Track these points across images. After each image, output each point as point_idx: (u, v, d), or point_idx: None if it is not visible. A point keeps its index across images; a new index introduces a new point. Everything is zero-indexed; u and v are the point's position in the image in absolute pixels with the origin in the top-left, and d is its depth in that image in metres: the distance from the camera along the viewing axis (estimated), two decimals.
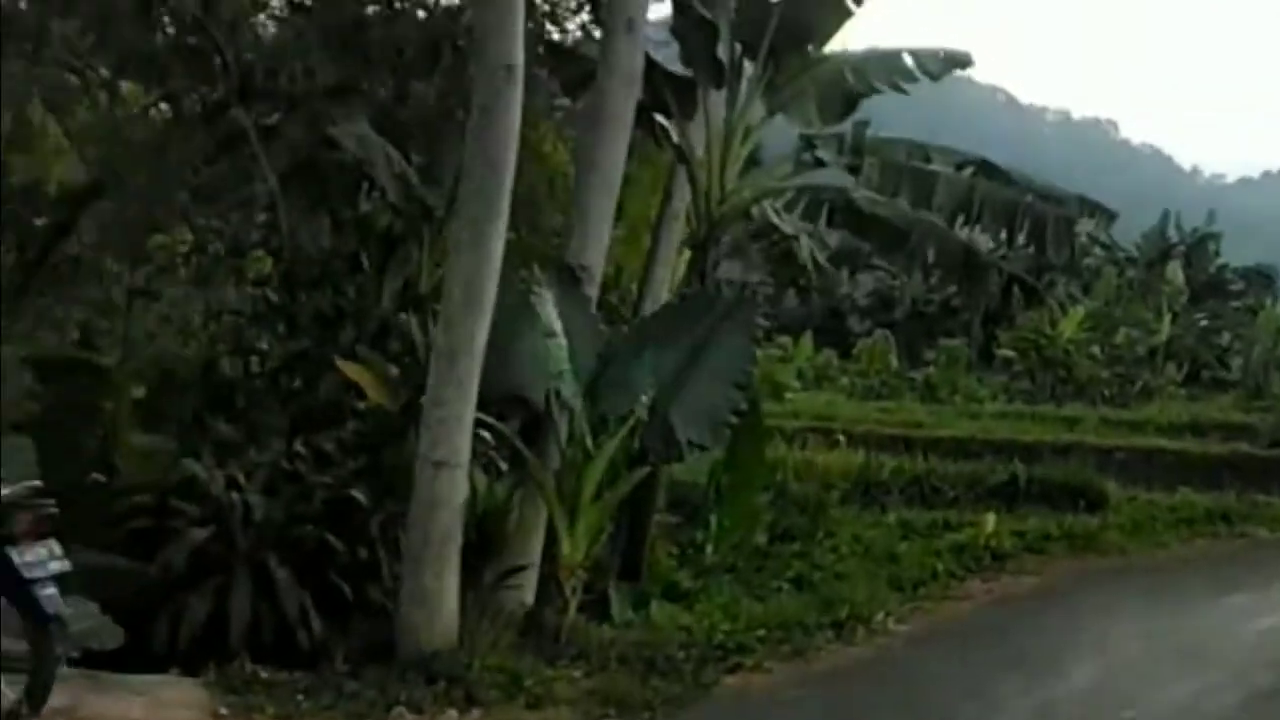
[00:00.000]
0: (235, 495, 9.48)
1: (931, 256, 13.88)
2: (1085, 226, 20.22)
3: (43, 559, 6.77)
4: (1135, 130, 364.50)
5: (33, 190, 13.66)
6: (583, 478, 9.55)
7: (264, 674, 8.12)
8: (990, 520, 14.54)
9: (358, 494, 9.62)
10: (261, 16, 13.85)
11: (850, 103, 12.58)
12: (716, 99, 11.77)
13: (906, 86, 12.74)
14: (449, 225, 10.65)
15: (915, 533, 14.72)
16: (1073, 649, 10.61)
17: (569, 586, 9.43)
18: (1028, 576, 13.57)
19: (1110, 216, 15.66)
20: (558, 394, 9.70)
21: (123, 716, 7.31)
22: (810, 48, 12.25)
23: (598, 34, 12.17)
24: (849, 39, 12.55)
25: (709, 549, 12.59)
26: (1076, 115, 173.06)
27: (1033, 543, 14.60)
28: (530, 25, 10.52)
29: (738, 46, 11.74)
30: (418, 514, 8.75)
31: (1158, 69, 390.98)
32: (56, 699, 6.85)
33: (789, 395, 24.34)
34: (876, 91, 12.60)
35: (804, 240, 18.15)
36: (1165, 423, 22.07)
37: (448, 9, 13.50)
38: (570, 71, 12.50)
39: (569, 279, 10.09)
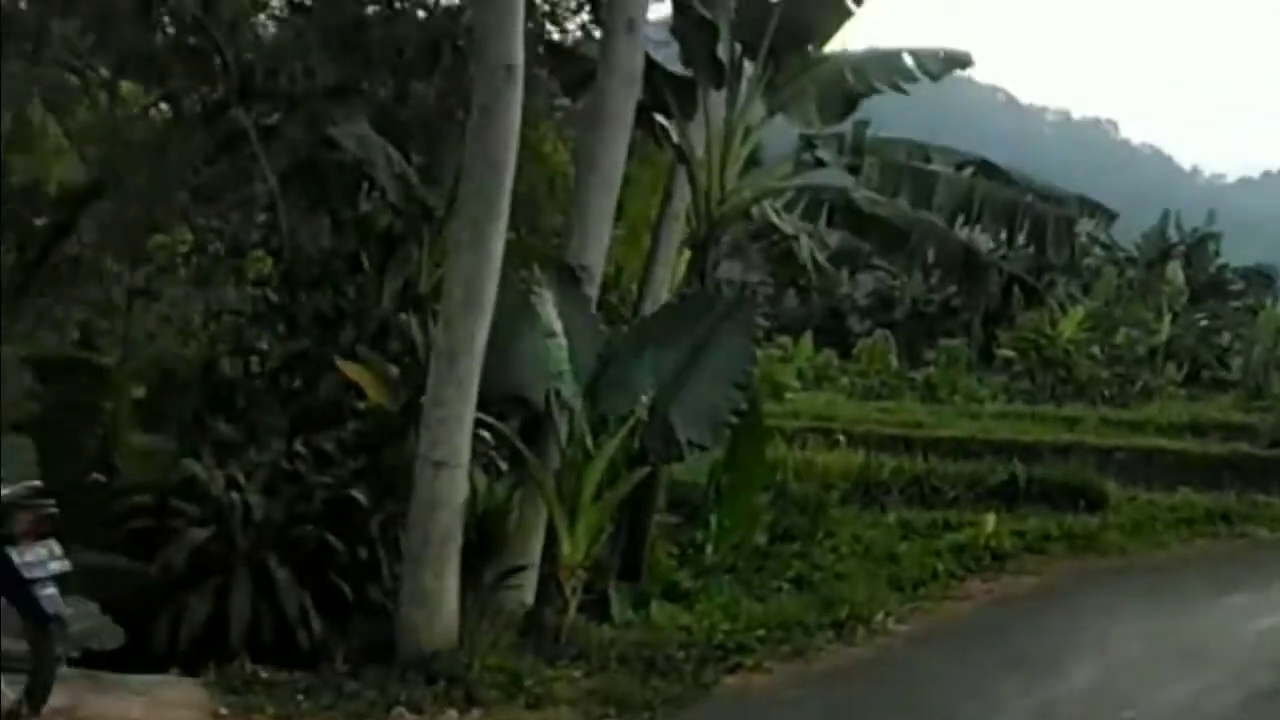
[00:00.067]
0: (235, 495, 9.48)
1: (931, 256, 13.88)
2: (1085, 226, 20.14)
3: (43, 559, 6.77)
4: (1135, 130, 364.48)
5: (33, 190, 13.67)
6: (583, 478, 9.54)
7: (264, 674, 8.12)
8: (990, 520, 14.54)
9: (358, 494, 9.63)
10: (261, 16, 13.87)
11: (850, 103, 12.58)
12: (716, 99, 11.77)
13: (906, 86, 12.75)
14: (449, 225, 10.65)
15: (915, 533, 14.71)
16: (1073, 649, 10.61)
17: (569, 586, 9.43)
18: (1028, 576, 13.57)
19: (1110, 216, 15.65)
20: (558, 394, 9.69)
21: (123, 716, 7.31)
22: (810, 48, 12.25)
23: (598, 34, 12.18)
24: (849, 39, 12.58)
25: (709, 549, 12.59)
26: (1076, 115, 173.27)
27: (1033, 543, 14.61)
28: (530, 25, 10.52)
29: (738, 46, 11.74)
30: (418, 514, 8.75)
31: (1158, 69, 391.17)
32: (56, 699, 6.85)
33: (789, 395, 24.32)
34: (876, 91, 12.61)
35: (804, 240, 18.08)
36: (1165, 423, 22.06)
37: (448, 9, 13.52)
38: (570, 71, 12.50)
39: (569, 279, 10.09)
